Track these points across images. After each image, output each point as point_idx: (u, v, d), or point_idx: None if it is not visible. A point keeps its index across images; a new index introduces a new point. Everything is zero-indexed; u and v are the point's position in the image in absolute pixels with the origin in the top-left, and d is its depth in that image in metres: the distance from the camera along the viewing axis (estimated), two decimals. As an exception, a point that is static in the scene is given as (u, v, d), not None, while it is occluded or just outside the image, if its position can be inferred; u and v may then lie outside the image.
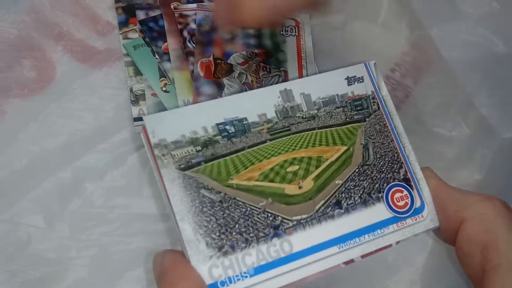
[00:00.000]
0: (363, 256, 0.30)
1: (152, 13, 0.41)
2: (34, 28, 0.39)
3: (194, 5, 0.41)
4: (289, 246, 0.28)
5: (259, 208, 0.28)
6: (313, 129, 0.31)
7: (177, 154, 0.28)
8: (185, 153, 0.28)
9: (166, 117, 0.28)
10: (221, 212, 0.28)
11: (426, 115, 0.41)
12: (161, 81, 0.39)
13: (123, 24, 0.41)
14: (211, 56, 0.40)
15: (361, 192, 0.30)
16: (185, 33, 0.41)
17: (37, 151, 0.37)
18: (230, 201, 0.28)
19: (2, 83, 0.38)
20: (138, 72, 0.39)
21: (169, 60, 0.40)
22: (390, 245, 0.31)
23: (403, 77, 0.42)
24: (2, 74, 0.38)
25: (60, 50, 0.39)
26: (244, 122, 0.29)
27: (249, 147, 0.29)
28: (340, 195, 0.30)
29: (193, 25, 0.41)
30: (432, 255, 0.38)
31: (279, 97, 0.30)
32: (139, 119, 0.38)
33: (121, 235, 0.36)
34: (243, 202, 0.28)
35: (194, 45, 0.41)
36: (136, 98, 0.39)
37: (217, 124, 0.29)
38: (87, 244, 0.35)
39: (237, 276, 0.27)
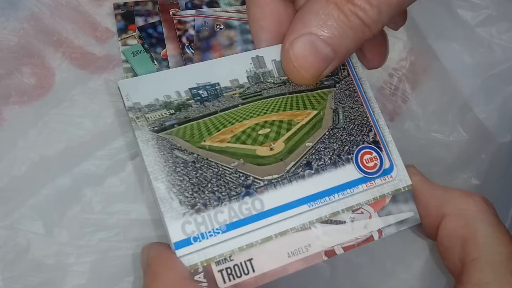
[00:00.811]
0: (345, 249, 0.31)
1: (151, 20, 0.42)
2: (33, 35, 0.40)
3: (192, 11, 0.42)
4: (260, 204, 0.29)
5: (231, 169, 0.29)
6: (284, 94, 0.32)
7: (150, 117, 0.29)
8: (159, 116, 0.29)
9: (140, 81, 0.29)
10: (194, 172, 0.29)
11: (424, 120, 0.41)
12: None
13: (122, 30, 0.41)
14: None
15: (331, 153, 0.31)
16: (184, 39, 0.41)
17: (36, 158, 0.37)
18: (203, 162, 0.29)
19: (1, 90, 0.38)
20: (137, 79, 0.39)
21: (168, 66, 0.40)
22: (372, 239, 0.32)
23: (401, 82, 0.42)
24: (2, 81, 0.38)
25: (60, 57, 0.40)
26: (216, 87, 0.30)
27: (222, 110, 0.31)
28: (311, 157, 0.31)
29: (192, 31, 0.41)
30: (430, 260, 0.38)
31: (251, 63, 0.31)
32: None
33: (120, 241, 0.36)
34: (215, 163, 0.29)
35: (193, 51, 0.41)
36: (135, 105, 0.39)
37: (190, 89, 0.30)
38: (86, 250, 0.36)
39: (209, 232, 0.28)
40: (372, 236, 0.32)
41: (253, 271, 0.30)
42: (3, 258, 0.34)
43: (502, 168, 0.40)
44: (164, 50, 0.40)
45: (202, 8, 0.42)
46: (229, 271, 0.29)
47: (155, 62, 0.40)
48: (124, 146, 0.38)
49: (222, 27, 0.42)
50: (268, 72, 0.31)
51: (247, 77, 0.31)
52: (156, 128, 0.28)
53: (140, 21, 0.41)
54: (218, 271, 0.29)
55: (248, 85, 0.31)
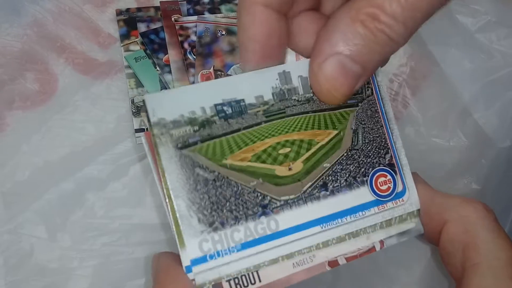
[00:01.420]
0: (347, 259, 0.31)
1: (153, 26, 0.42)
2: (37, 41, 0.40)
3: (194, 17, 0.42)
4: (275, 224, 0.30)
5: (249, 188, 0.29)
6: (307, 112, 0.32)
7: (175, 134, 0.28)
8: (183, 132, 0.29)
9: (166, 96, 0.29)
10: (214, 190, 0.29)
11: (424, 125, 0.41)
12: (162, 92, 0.40)
13: (124, 36, 0.41)
14: (212, 68, 0.41)
15: (347, 175, 0.31)
16: (186, 45, 0.41)
17: (39, 163, 0.37)
18: (223, 180, 0.29)
19: (5, 95, 0.38)
20: (139, 84, 0.40)
21: (170, 72, 0.40)
22: (374, 249, 0.32)
23: (402, 88, 0.42)
24: (5, 86, 0.38)
25: (63, 63, 0.40)
26: (241, 103, 0.30)
27: (245, 128, 0.30)
28: (327, 178, 0.31)
29: (193, 37, 0.42)
30: (431, 264, 0.38)
31: (277, 79, 0.31)
32: (141, 130, 0.39)
33: (122, 245, 0.36)
34: (235, 182, 0.29)
35: (194, 57, 0.41)
36: (138, 110, 0.39)
37: (215, 105, 0.30)
38: (89, 254, 0.36)
39: (225, 250, 0.28)
40: (374, 247, 0.32)
41: (260, 281, 0.30)
42: (6, 262, 0.35)
43: (502, 172, 0.40)
44: (166, 55, 0.41)
45: (204, 14, 0.43)
46: (236, 281, 0.30)
47: (157, 68, 0.40)
48: (127, 151, 0.39)
49: (223, 33, 0.42)
50: (293, 89, 0.31)
51: (272, 93, 0.31)
52: (180, 145, 0.28)
53: (142, 27, 0.42)
54: (226, 281, 0.29)
55: (273, 102, 0.31)
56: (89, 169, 0.38)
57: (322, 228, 0.31)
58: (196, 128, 0.29)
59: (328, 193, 0.31)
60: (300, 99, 0.32)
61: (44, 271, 0.35)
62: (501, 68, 0.41)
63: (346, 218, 0.31)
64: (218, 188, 0.29)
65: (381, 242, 0.32)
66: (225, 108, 0.30)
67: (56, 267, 0.35)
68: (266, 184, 0.30)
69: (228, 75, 0.41)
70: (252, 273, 0.30)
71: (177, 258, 0.28)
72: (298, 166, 0.31)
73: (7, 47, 0.39)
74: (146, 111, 0.28)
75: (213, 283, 0.29)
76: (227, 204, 0.29)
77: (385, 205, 0.32)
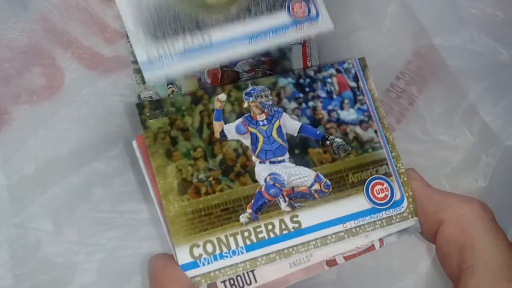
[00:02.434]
0: (346, 258, 0.31)
1: (160, 21, 0.42)
2: (43, 36, 0.40)
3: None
4: (208, 38, 0.31)
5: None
6: None
7: None
8: None
9: None
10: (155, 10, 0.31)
11: (431, 123, 0.41)
12: (168, 88, 0.40)
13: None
14: (218, 64, 0.41)
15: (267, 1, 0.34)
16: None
17: (46, 157, 0.37)
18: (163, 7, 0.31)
19: (12, 90, 0.38)
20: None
21: (176, 67, 0.40)
22: (373, 248, 0.32)
23: (408, 85, 0.42)
24: (12, 81, 0.38)
25: (69, 58, 0.40)
26: None
27: None
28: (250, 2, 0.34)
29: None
30: (435, 261, 0.38)
31: None
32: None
33: (129, 239, 0.36)
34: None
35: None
36: (144, 105, 0.39)
37: None
38: (95, 248, 0.36)
39: (167, 56, 0.30)
40: (373, 245, 0.33)
41: (255, 281, 0.30)
42: (13, 255, 0.35)
43: (508, 170, 0.40)
44: (173, 51, 0.41)
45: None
46: (231, 281, 0.30)
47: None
48: (133, 147, 0.38)
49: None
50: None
51: None
52: None
53: (149, 23, 0.42)
54: (221, 282, 0.30)
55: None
56: (96, 164, 0.38)
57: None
58: None
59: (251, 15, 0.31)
60: None
61: (51, 264, 0.35)
62: (508, 66, 0.41)
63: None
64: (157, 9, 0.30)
65: (380, 240, 0.32)
66: None
67: (63, 261, 0.35)
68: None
69: (234, 71, 0.41)
70: (247, 273, 0.30)
71: (172, 258, 0.29)
72: None
73: (14, 42, 0.39)
74: None
75: (208, 282, 0.29)
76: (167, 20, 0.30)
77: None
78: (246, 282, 0.30)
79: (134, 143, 0.29)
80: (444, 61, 0.42)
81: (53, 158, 0.37)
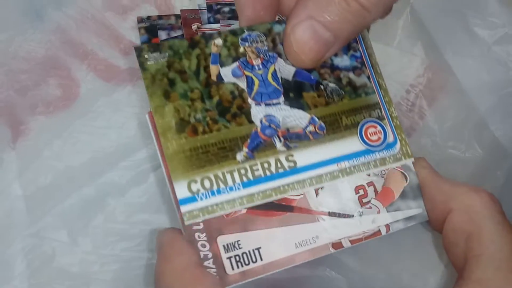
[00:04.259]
0: (352, 242, 0.32)
1: (174, 34, 0.43)
2: (60, 47, 0.41)
3: (217, 25, 0.42)
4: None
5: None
6: None
7: None
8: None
9: None
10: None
11: (441, 136, 0.42)
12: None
13: (145, 43, 0.42)
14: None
15: None
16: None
17: (61, 168, 0.38)
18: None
19: (28, 101, 0.39)
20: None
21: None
22: (380, 233, 0.33)
23: (418, 99, 0.43)
24: (29, 92, 0.39)
25: (85, 69, 0.41)
26: None
27: None
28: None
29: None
30: (445, 275, 0.39)
31: None
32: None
33: (142, 250, 0.37)
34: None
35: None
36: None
37: None
38: (109, 259, 0.36)
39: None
40: (379, 230, 0.33)
41: (261, 259, 0.31)
42: (29, 265, 0.35)
43: (518, 185, 0.41)
44: (187, 64, 0.41)
45: (225, 20, 0.43)
46: (237, 258, 0.30)
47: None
48: (147, 158, 0.39)
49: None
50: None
51: None
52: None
53: (163, 35, 0.42)
54: (227, 258, 0.30)
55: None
56: (110, 175, 0.38)
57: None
58: None
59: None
60: None
61: (66, 274, 0.36)
62: (517, 80, 0.41)
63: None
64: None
65: (387, 226, 0.33)
66: None
67: (77, 271, 0.36)
68: None
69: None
70: (253, 250, 0.30)
71: (180, 232, 0.29)
72: None
73: (31, 53, 0.40)
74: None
75: (206, 215, 0.30)
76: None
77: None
78: (252, 259, 0.31)
79: (147, 117, 0.30)
80: (454, 74, 0.43)
81: (69, 169, 0.38)
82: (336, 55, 0.34)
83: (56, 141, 0.39)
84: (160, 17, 0.43)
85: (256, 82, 0.33)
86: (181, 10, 0.43)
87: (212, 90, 0.32)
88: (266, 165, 0.31)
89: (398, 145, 0.34)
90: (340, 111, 0.33)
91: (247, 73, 0.32)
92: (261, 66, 0.33)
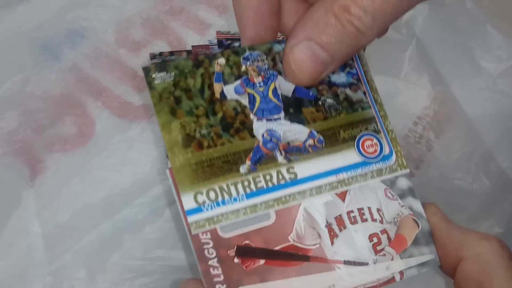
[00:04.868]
0: None
1: (186, 70, 0.43)
2: (75, 85, 0.41)
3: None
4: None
5: None
6: None
7: None
8: None
9: None
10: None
11: (448, 168, 0.43)
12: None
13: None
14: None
15: None
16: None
17: (79, 205, 0.39)
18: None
19: (45, 139, 0.40)
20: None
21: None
22: (394, 280, 0.34)
23: (425, 131, 0.44)
24: (46, 130, 0.40)
25: (100, 106, 0.41)
26: None
27: None
28: None
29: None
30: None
31: None
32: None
33: (159, 286, 0.38)
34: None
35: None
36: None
37: None
38: (127, 296, 0.37)
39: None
40: (394, 277, 0.34)
41: None
42: (50, 304, 0.36)
43: (524, 216, 0.41)
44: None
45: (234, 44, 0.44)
46: None
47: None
48: (162, 194, 0.40)
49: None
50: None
51: None
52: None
53: (176, 71, 0.43)
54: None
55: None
56: (127, 212, 0.39)
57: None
58: None
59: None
60: None
61: (86, 312, 0.36)
62: (523, 113, 0.42)
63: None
64: None
65: (401, 273, 0.34)
66: None
67: (97, 309, 0.37)
68: None
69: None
70: None
71: (202, 284, 0.30)
72: None
73: (47, 92, 0.41)
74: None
75: (212, 225, 0.31)
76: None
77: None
78: None
79: (168, 172, 0.31)
80: (460, 106, 0.44)
81: (86, 206, 0.39)
82: (333, 72, 0.36)
83: (73, 178, 0.39)
84: (172, 53, 0.44)
85: (258, 98, 0.34)
86: (192, 46, 0.44)
87: (216, 107, 0.34)
88: (268, 177, 0.33)
89: (394, 157, 0.35)
90: (338, 125, 0.35)
91: (249, 90, 0.34)
92: (262, 84, 0.34)
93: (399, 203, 0.35)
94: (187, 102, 0.33)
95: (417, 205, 0.35)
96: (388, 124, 0.36)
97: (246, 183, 0.32)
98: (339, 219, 0.34)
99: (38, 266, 0.37)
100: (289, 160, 0.34)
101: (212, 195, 0.32)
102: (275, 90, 0.34)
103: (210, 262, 0.31)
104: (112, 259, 0.38)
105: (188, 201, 0.31)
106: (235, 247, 0.32)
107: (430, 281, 0.39)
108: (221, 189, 0.32)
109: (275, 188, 0.33)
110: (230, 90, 0.34)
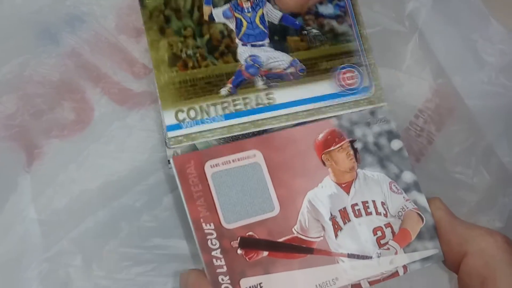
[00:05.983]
0: (370, 283, 0.33)
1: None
2: (74, 71, 0.41)
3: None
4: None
5: None
6: None
7: None
8: None
9: None
10: None
11: (448, 162, 0.42)
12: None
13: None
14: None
15: None
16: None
17: (76, 192, 0.38)
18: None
19: (43, 124, 0.39)
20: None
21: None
22: (397, 274, 0.33)
23: (426, 124, 0.43)
24: (44, 116, 0.39)
25: (99, 92, 0.41)
26: None
27: None
28: None
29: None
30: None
31: None
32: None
33: (156, 275, 0.37)
34: None
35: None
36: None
37: None
38: (124, 284, 0.37)
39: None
40: (397, 271, 0.34)
41: None
42: (46, 290, 0.36)
43: (525, 211, 0.41)
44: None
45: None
46: None
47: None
48: (160, 182, 0.39)
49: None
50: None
51: None
52: None
53: (176, 59, 0.43)
54: None
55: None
56: (124, 199, 0.39)
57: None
58: None
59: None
60: None
61: (81, 300, 0.36)
62: (525, 107, 0.42)
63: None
64: None
65: (405, 267, 0.34)
66: None
67: (92, 296, 0.36)
68: None
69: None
70: None
71: (204, 275, 0.30)
72: None
73: (46, 77, 0.40)
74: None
75: (190, 141, 0.33)
76: None
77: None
78: None
79: (171, 162, 0.31)
80: (462, 100, 0.43)
81: (83, 193, 0.38)
82: (321, 3, 0.36)
83: (70, 165, 0.39)
84: (172, 40, 0.44)
85: (245, 23, 0.35)
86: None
87: (204, 29, 0.35)
88: (247, 100, 0.34)
89: (372, 89, 0.36)
90: (320, 56, 0.36)
91: (236, 14, 0.35)
92: (250, 9, 0.35)
93: (403, 197, 0.34)
94: (176, 22, 0.35)
95: (422, 199, 0.35)
96: (371, 57, 0.36)
97: (225, 105, 0.34)
98: (343, 212, 0.33)
99: (33, 253, 0.36)
100: (269, 86, 0.35)
101: (192, 113, 0.33)
102: (262, 17, 0.36)
103: (213, 253, 0.31)
104: (109, 247, 0.38)
105: (170, 118, 0.33)
106: (239, 238, 0.31)
107: (434, 276, 0.38)
108: (201, 108, 0.33)
109: (253, 111, 0.34)
110: (218, 13, 0.35)
